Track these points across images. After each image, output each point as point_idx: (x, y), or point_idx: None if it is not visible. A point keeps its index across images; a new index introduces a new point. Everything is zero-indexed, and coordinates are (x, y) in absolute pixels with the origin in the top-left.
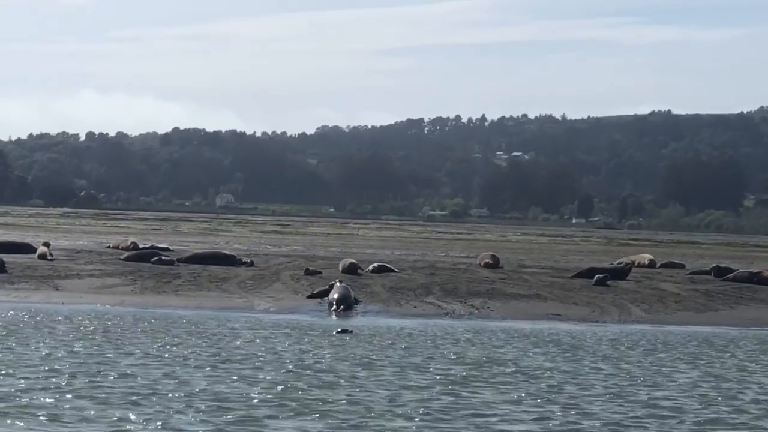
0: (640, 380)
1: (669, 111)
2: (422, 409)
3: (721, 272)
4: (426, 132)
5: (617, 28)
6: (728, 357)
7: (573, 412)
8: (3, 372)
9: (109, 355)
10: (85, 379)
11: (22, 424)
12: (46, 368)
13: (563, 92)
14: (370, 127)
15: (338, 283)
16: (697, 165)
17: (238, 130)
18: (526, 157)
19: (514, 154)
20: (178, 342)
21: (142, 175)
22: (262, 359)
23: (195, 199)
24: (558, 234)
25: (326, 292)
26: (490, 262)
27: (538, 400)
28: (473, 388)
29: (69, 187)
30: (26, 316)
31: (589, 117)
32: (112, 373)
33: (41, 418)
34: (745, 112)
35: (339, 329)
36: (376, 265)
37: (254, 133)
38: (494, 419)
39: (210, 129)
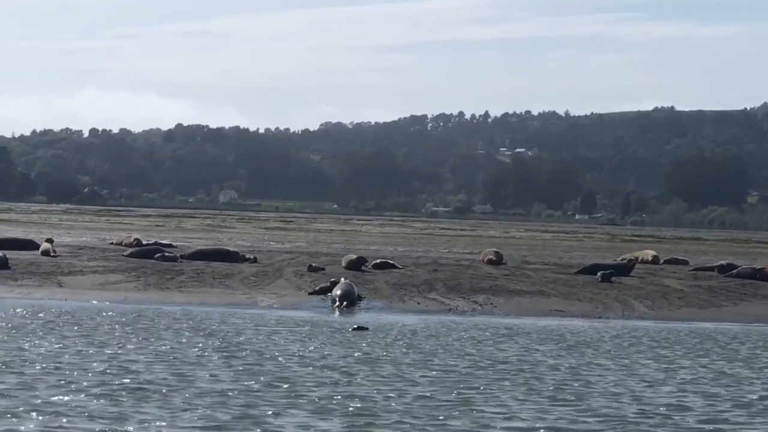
0: (643, 377)
1: (672, 107)
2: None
3: (724, 270)
4: (429, 128)
5: (620, 24)
6: (732, 353)
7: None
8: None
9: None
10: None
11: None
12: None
13: (566, 88)
14: (373, 123)
15: (343, 280)
16: (700, 161)
17: (241, 127)
18: (530, 153)
19: (518, 150)
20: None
21: (145, 171)
22: (300, 359)
23: (198, 195)
24: (561, 230)
25: (329, 289)
26: (494, 258)
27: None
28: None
29: (72, 184)
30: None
31: (592, 113)
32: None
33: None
34: (748, 108)
35: (354, 326)
36: (378, 261)
37: (257, 129)
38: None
39: (213, 125)
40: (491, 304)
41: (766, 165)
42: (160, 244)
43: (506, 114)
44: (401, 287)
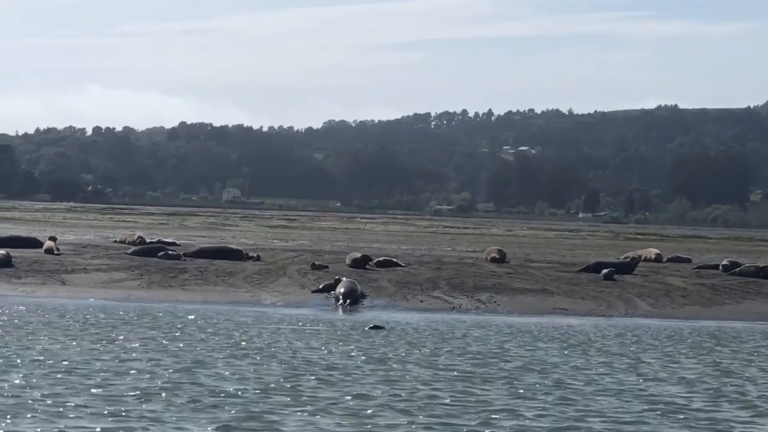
0: (646, 375)
1: (675, 105)
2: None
3: (728, 268)
4: (433, 126)
5: (624, 22)
6: (735, 351)
7: None
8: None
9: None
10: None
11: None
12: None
13: (570, 87)
14: (376, 121)
15: (344, 279)
16: (703, 159)
17: (244, 125)
18: (533, 151)
19: (521, 148)
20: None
21: (148, 169)
22: (334, 362)
23: (202, 193)
24: (565, 228)
25: (333, 287)
26: (497, 256)
27: None
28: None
29: (76, 182)
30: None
31: (595, 111)
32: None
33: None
34: (751, 106)
35: (371, 325)
36: (381, 258)
37: (261, 127)
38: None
39: (216, 124)
40: (494, 302)
41: None
42: (164, 242)
43: (510, 112)
44: (405, 285)
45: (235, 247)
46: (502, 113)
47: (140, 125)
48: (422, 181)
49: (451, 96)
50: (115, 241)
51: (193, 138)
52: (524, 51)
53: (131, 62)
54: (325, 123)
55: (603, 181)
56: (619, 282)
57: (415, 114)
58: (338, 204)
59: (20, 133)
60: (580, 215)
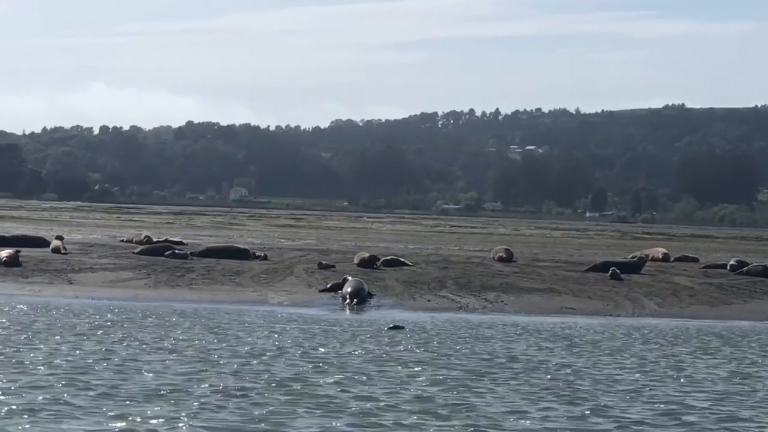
0: (654, 375)
1: (683, 105)
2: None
3: (735, 268)
4: (440, 126)
5: (631, 21)
6: (742, 350)
7: None
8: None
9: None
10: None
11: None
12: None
13: (577, 86)
14: (383, 121)
15: (350, 278)
16: (710, 159)
17: (251, 124)
18: (540, 150)
19: (528, 147)
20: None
21: (155, 168)
22: (364, 365)
23: (209, 193)
24: (572, 228)
25: (340, 286)
26: (504, 255)
27: None
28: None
29: (83, 181)
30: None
31: (602, 111)
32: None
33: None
34: (759, 106)
35: (390, 325)
36: (389, 257)
37: (268, 127)
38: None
39: (223, 123)
40: (502, 301)
41: None
42: (171, 241)
43: (517, 111)
44: (412, 285)
45: (242, 246)
46: (509, 112)
47: (147, 124)
48: (429, 180)
49: (458, 95)
50: (122, 241)
51: (200, 137)
52: (529, 50)
53: (136, 61)
54: (332, 122)
55: (610, 180)
56: (626, 281)
57: (422, 113)
58: (345, 203)
59: (27, 133)
60: (587, 214)
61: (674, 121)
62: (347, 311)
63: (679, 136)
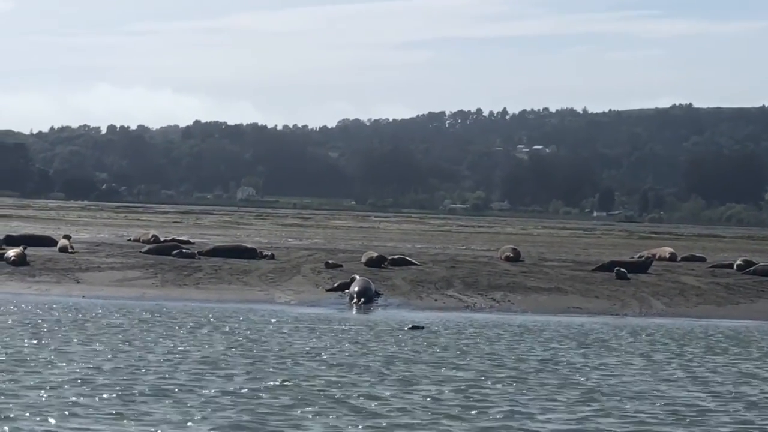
0: (661, 375)
1: (690, 104)
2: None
3: (742, 268)
4: (447, 125)
5: (638, 20)
6: (750, 350)
7: None
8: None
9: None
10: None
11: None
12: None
13: (584, 85)
14: (391, 120)
15: (357, 277)
16: (718, 158)
17: (259, 124)
18: (547, 150)
19: (535, 147)
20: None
21: (163, 168)
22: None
23: (216, 192)
24: (579, 227)
25: (348, 285)
26: (511, 255)
27: None
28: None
29: (90, 180)
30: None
31: (610, 110)
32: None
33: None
34: (766, 105)
35: (410, 325)
36: (396, 257)
37: (275, 126)
38: None
39: (231, 122)
40: (509, 301)
41: None
42: (178, 240)
43: (524, 111)
44: (419, 284)
45: (249, 245)
46: (516, 112)
47: (154, 124)
48: (436, 179)
49: (465, 95)
50: (130, 240)
51: (207, 136)
52: (537, 50)
53: (144, 61)
54: (339, 122)
55: (617, 179)
56: (633, 281)
57: (430, 113)
58: (352, 202)
59: (34, 132)
60: (595, 214)
61: (682, 120)
62: (354, 310)
63: (687, 136)
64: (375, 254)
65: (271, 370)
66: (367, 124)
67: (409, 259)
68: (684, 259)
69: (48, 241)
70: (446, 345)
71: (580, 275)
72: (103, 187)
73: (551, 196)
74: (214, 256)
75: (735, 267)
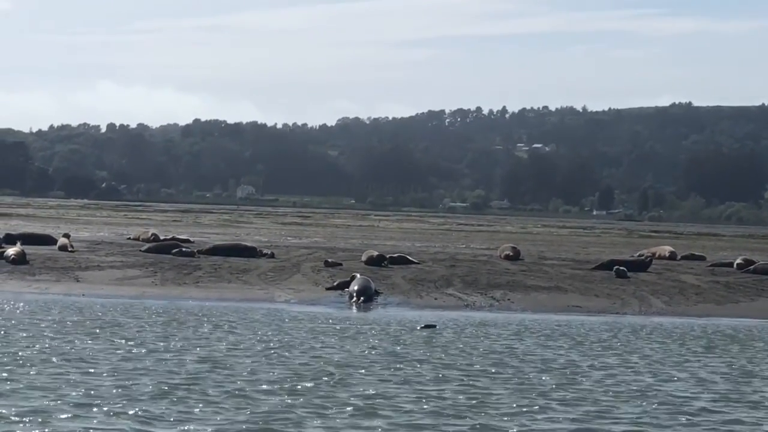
0: (661, 373)
1: (690, 103)
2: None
3: (742, 266)
4: (447, 124)
5: (638, 19)
6: (749, 349)
7: None
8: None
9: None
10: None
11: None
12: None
13: (584, 84)
14: (390, 118)
15: (358, 276)
16: (717, 157)
17: (258, 122)
18: (547, 148)
19: (535, 145)
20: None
21: (163, 166)
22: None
23: (216, 190)
24: (579, 226)
25: (348, 284)
26: (511, 254)
27: None
28: None
29: (90, 179)
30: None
31: (610, 109)
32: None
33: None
34: (766, 104)
35: (422, 325)
36: (395, 255)
37: (275, 124)
38: None
39: (231, 121)
40: (508, 299)
41: None
42: (178, 239)
43: (524, 109)
44: (418, 283)
45: (249, 244)
46: (516, 110)
47: (154, 122)
48: (436, 178)
49: (465, 93)
50: (129, 238)
51: (207, 135)
52: (538, 48)
53: (144, 59)
54: (339, 120)
55: (617, 178)
56: (633, 279)
57: (429, 111)
58: (352, 201)
59: (34, 130)
60: (594, 213)
61: (681, 119)
62: (354, 309)
63: (687, 135)
64: (375, 253)
65: (310, 375)
66: (367, 122)
67: (409, 257)
68: (684, 257)
69: (48, 240)
70: (473, 345)
71: (579, 274)
72: (103, 185)
73: (551, 195)
74: (213, 254)
75: (735, 265)
